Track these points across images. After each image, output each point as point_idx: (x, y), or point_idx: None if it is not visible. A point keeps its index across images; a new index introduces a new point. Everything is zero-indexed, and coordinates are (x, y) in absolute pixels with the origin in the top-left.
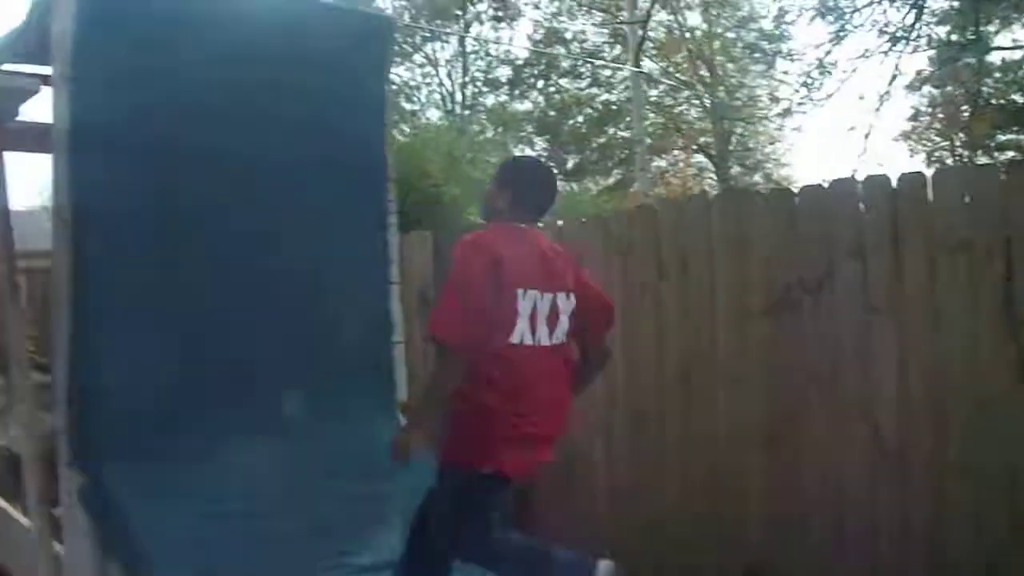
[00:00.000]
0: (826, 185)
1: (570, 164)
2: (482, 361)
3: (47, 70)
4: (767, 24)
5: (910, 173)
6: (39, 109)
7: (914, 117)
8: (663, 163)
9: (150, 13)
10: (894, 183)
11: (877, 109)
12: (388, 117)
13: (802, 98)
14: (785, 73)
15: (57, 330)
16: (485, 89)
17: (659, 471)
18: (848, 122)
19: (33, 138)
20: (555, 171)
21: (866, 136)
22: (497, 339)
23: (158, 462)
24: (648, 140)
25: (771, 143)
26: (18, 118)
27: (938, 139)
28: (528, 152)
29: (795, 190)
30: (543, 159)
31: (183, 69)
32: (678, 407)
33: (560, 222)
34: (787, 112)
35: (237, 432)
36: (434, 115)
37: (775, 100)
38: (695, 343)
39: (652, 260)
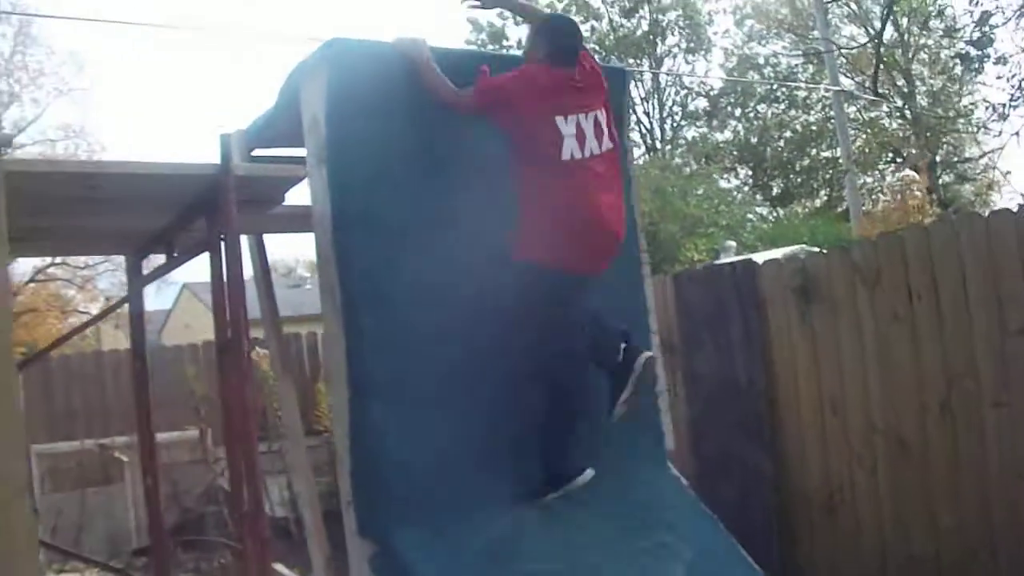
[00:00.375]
0: None
1: (775, 189)
2: (545, 177)
3: (295, 151)
4: (968, 29)
5: None
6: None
7: None
8: (868, 179)
9: (396, 89)
10: None
11: None
12: (631, 166)
13: (1015, 100)
14: (998, 78)
15: (336, 405)
16: (683, 122)
17: (927, 501)
18: None
19: (294, 220)
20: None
21: None
22: (549, 158)
23: (446, 528)
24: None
25: (987, 152)
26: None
27: None
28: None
29: None
30: None
31: (430, 140)
32: (942, 434)
33: (800, 253)
34: (1003, 117)
35: (516, 494)
36: (636, 153)
37: (990, 106)
38: (954, 368)
39: (902, 287)
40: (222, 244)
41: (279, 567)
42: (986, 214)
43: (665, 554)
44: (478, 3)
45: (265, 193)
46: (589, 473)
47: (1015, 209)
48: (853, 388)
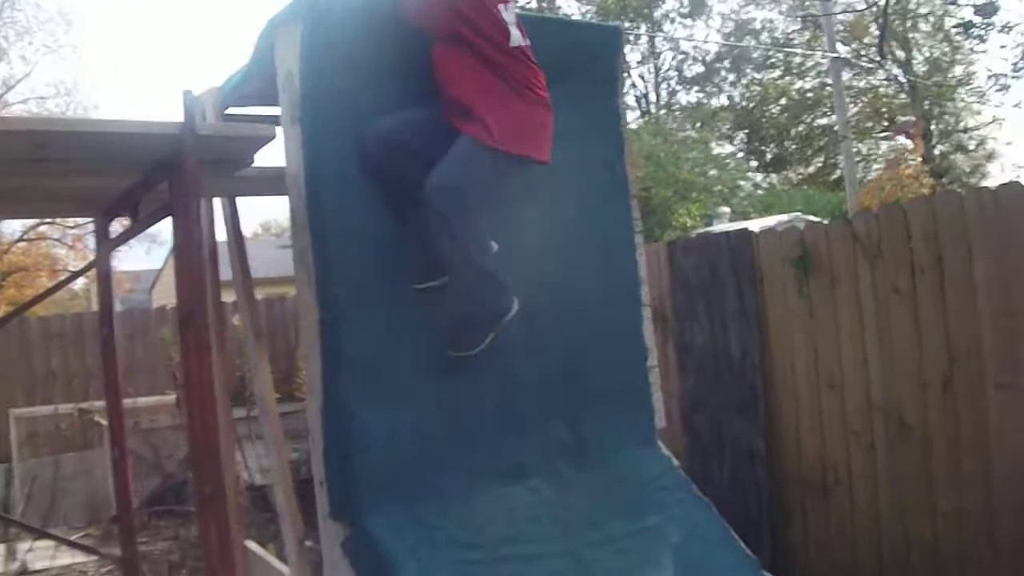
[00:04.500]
0: None
1: (768, 155)
2: (500, 63)
3: (270, 110)
4: None
5: None
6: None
7: None
8: (863, 147)
9: (375, 43)
10: None
11: None
12: (625, 130)
13: (1018, 70)
14: (1002, 47)
15: (310, 380)
16: (679, 88)
17: (926, 484)
18: None
19: (266, 182)
20: None
21: None
22: (501, 43)
23: (418, 510)
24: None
25: (990, 121)
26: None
27: None
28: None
29: None
30: None
31: (410, 96)
32: (942, 415)
33: (800, 225)
34: (1005, 87)
35: (496, 475)
36: (631, 117)
37: (992, 75)
38: (957, 347)
39: (905, 261)
40: (186, 209)
41: (251, 544)
42: (994, 186)
43: (653, 537)
44: None
45: (233, 154)
46: (516, 304)
47: None
48: (851, 364)
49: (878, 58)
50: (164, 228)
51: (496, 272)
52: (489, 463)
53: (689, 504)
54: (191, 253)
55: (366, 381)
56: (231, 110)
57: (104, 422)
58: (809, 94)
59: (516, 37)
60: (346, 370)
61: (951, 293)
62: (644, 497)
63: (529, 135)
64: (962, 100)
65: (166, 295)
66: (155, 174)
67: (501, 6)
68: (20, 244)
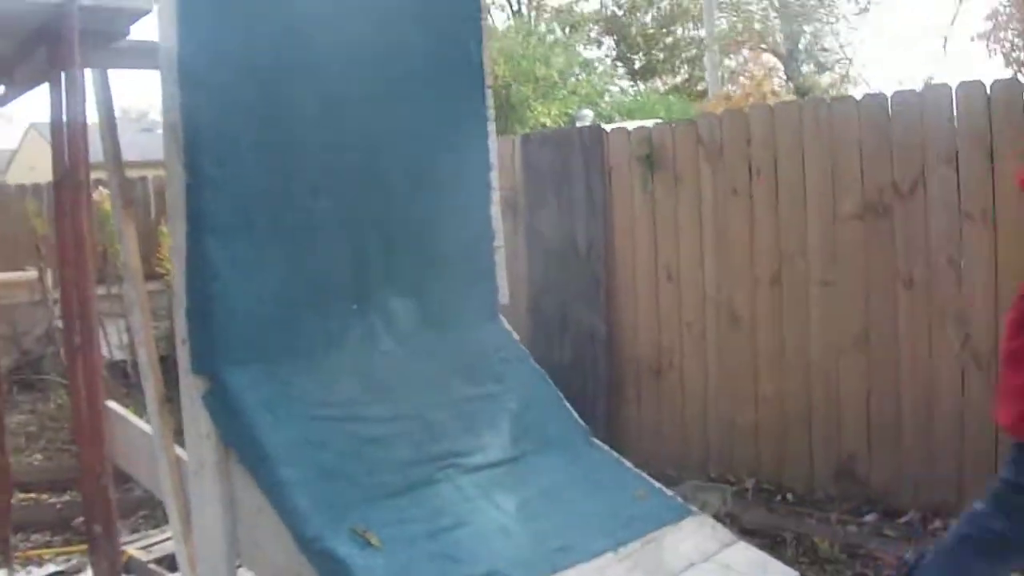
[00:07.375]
0: (919, 90)
1: (637, 64)
2: None
3: None
4: None
5: (1005, 80)
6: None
7: (992, 16)
8: (731, 63)
9: None
10: (988, 89)
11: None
12: (484, 19)
13: None
14: None
15: (175, 242)
16: None
17: (751, 372)
18: (926, 21)
19: (139, 56)
20: None
21: (945, 39)
22: None
23: (275, 368)
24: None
25: (846, 44)
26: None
27: (1018, 40)
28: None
29: (888, 95)
30: None
31: None
32: (770, 309)
33: (649, 124)
34: (864, 10)
35: (349, 339)
36: (499, 17)
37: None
38: (786, 246)
39: (743, 163)
40: (63, 77)
41: (112, 404)
42: (830, 99)
43: (492, 403)
44: None
45: (110, 25)
46: None
47: (859, 97)
48: (689, 258)
49: None
50: (16, 108)
51: None
52: (343, 328)
53: (527, 375)
54: (72, 115)
55: (228, 242)
56: None
57: None
58: (679, 5)
59: None
60: (209, 231)
61: (784, 196)
62: (485, 366)
63: None
64: (821, 21)
65: (20, 176)
66: (31, 42)
67: None
68: None
